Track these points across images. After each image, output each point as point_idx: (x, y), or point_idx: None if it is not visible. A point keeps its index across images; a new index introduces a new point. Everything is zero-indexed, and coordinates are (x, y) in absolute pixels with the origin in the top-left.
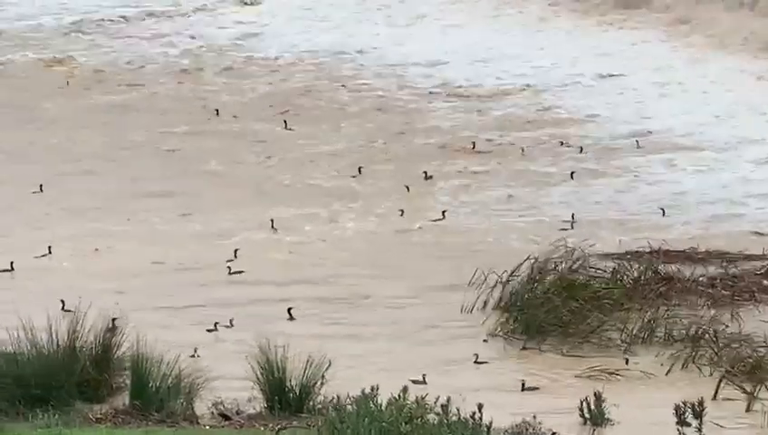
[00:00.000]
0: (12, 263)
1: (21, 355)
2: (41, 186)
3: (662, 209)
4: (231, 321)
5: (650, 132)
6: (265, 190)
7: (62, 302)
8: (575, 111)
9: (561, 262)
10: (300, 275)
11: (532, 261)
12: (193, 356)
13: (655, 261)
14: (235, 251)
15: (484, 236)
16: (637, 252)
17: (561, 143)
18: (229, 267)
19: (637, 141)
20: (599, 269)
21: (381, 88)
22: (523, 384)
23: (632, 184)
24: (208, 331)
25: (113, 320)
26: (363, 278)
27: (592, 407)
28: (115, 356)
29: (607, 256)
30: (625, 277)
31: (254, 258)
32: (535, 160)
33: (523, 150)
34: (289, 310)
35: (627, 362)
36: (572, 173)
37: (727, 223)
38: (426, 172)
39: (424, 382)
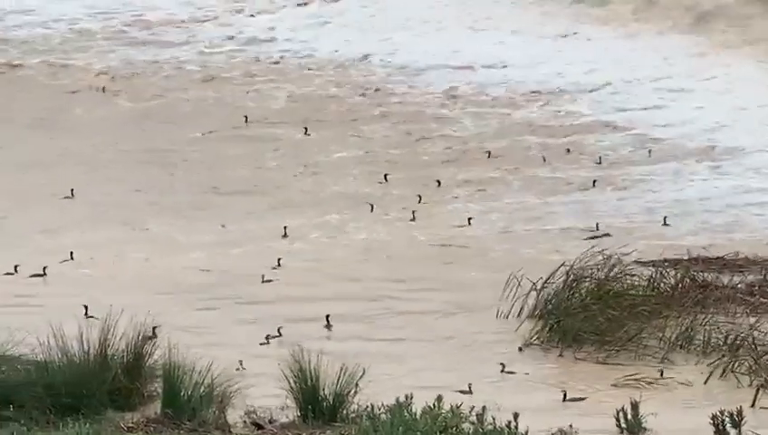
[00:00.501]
0: (45, 268)
1: (51, 363)
2: (72, 190)
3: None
4: (279, 330)
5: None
6: (290, 198)
7: (86, 307)
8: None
9: (597, 269)
10: (330, 282)
11: (567, 268)
12: (238, 369)
13: (692, 268)
14: (278, 260)
15: (511, 244)
16: (674, 259)
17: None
18: (263, 275)
19: (649, 151)
20: (635, 276)
21: (403, 93)
22: (565, 394)
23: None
24: (262, 344)
25: (153, 328)
26: (393, 285)
27: (629, 416)
28: (147, 364)
29: (643, 263)
30: (662, 285)
31: (285, 267)
32: (557, 168)
33: (544, 159)
34: (327, 317)
35: (662, 374)
36: (594, 181)
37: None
38: (440, 180)
39: (470, 392)
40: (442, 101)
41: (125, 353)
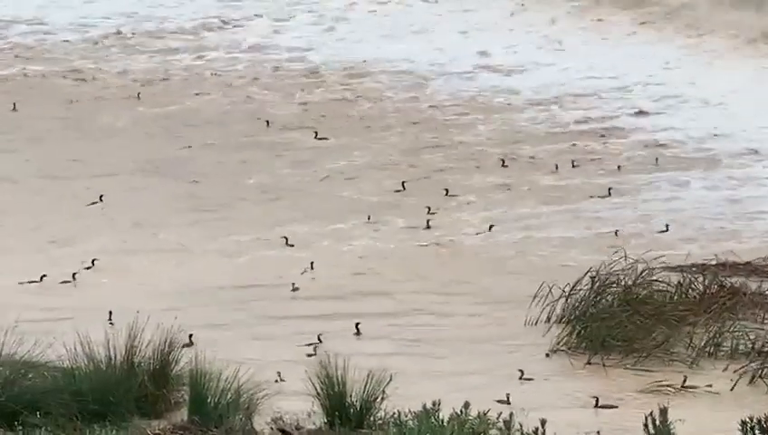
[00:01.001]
0: (74, 274)
1: (78, 370)
2: (101, 196)
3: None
4: (319, 337)
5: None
6: (309, 204)
7: (111, 314)
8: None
9: (624, 275)
10: (354, 288)
11: (593, 274)
12: (277, 381)
13: (720, 273)
14: (312, 263)
15: (533, 250)
16: (701, 264)
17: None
18: (293, 284)
19: (657, 159)
20: (662, 282)
21: (417, 99)
22: (597, 401)
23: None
24: (308, 355)
25: (190, 336)
26: (417, 292)
27: (657, 422)
28: (173, 371)
29: (671, 268)
30: (690, 291)
31: (310, 274)
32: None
33: (557, 167)
34: (357, 325)
35: (684, 381)
36: (610, 189)
37: None
38: (453, 187)
39: (508, 403)
40: (453, 107)
41: (151, 360)
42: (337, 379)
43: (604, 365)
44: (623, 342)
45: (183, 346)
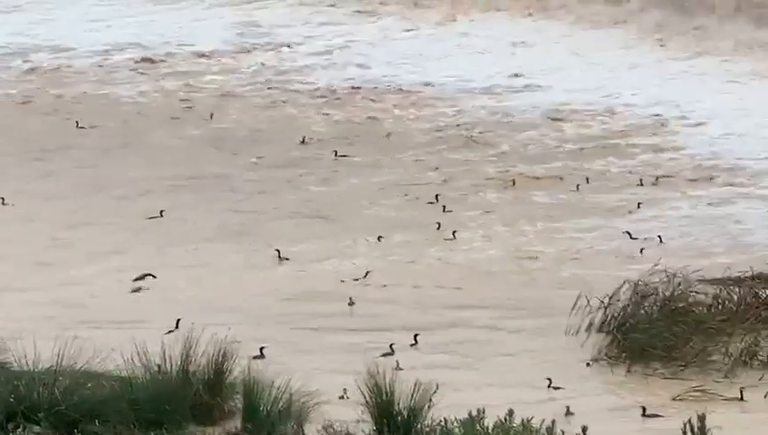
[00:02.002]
0: (137, 288)
1: (135, 379)
2: (161, 212)
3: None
4: (391, 346)
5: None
6: (346, 219)
7: (177, 321)
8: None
9: (662, 287)
10: (398, 301)
11: (632, 285)
12: (342, 397)
13: (755, 285)
14: (366, 273)
15: (565, 264)
16: (736, 277)
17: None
18: (350, 298)
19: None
20: (699, 294)
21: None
22: (644, 410)
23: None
24: (396, 369)
25: (261, 349)
26: (456, 306)
27: (696, 429)
28: (227, 381)
29: (707, 281)
30: (726, 302)
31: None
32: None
33: (587, 180)
34: (415, 336)
35: (723, 390)
36: (639, 204)
37: None
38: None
39: (571, 414)
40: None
41: (206, 370)
42: (385, 388)
43: (645, 374)
44: (662, 351)
45: (254, 358)
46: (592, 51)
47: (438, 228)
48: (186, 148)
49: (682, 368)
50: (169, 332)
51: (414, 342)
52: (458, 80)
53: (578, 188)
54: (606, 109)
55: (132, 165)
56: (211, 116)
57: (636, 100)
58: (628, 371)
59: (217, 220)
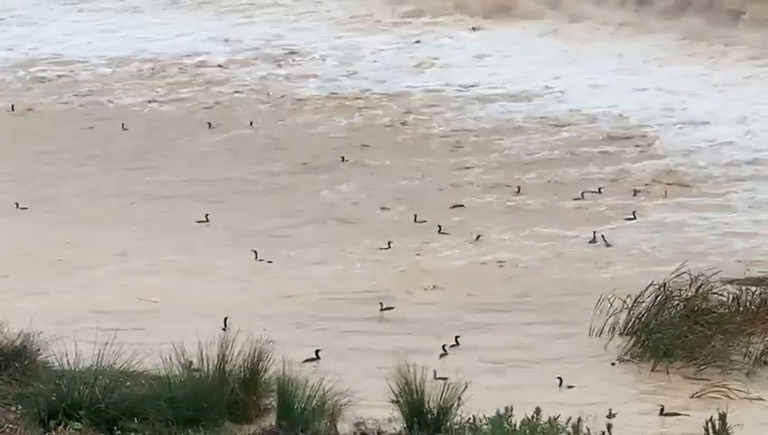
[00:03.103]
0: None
1: (173, 377)
2: (206, 215)
3: None
4: (457, 338)
5: None
6: (370, 223)
7: (225, 320)
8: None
9: (685, 289)
10: (421, 299)
11: (656, 287)
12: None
13: None
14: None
15: (588, 267)
16: (756, 277)
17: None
18: (381, 303)
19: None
20: (721, 295)
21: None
22: (662, 409)
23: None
24: (439, 378)
25: (317, 351)
26: (486, 305)
27: (717, 427)
28: (262, 379)
29: (729, 281)
30: (747, 303)
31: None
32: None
33: (600, 190)
34: (456, 338)
35: (739, 381)
36: (634, 213)
37: None
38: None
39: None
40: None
41: (242, 369)
42: (416, 386)
43: (668, 373)
44: (685, 351)
45: (305, 361)
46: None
47: (452, 233)
48: (216, 152)
49: (703, 367)
50: (224, 328)
51: (455, 343)
52: None
53: (600, 191)
54: None
55: (161, 170)
56: (251, 123)
57: None
58: (653, 370)
59: (255, 224)
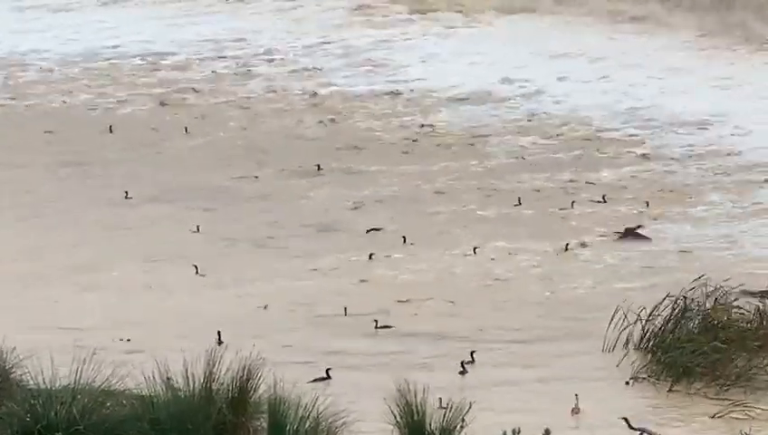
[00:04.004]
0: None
1: (156, 398)
2: (198, 226)
3: None
4: (472, 354)
5: None
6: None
7: (219, 333)
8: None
9: (703, 301)
10: (421, 312)
11: (672, 300)
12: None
13: None
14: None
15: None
16: None
17: None
18: (376, 321)
19: None
20: (741, 308)
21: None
22: None
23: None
24: (461, 373)
25: (327, 370)
26: (491, 318)
27: None
28: (252, 399)
29: (751, 293)
30: None
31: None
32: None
33: (604, 198)
34: (471, 354)
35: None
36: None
37: None
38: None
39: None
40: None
41: (230, 388)
42: (416, 407)
43: (688, 394)
44: (705, 369)
45: (315, 380)
46: None
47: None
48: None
49: (727, 388)
50: (219, 342)
51: (471, 360)
52: None
53: (604, 199)
54: None
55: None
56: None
57: None
58: (671, 390)
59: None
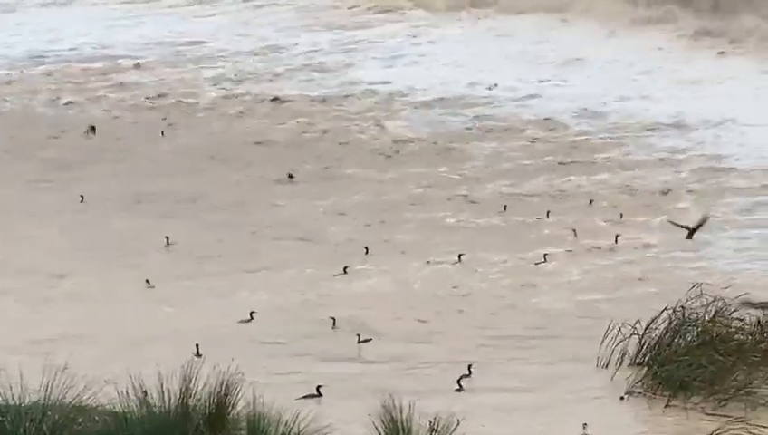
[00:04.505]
0: (251, 313)
1: (130, 414)
2: (167, 238)
3: None
4: (469, 367)
5: None
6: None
7: (197, 346)
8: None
9: (701, 313)
10: (416, 331)
11: (670, 312)
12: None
13: None
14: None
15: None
16: None
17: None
18: (359, 336)
19: None
20: (740, 320)
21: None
22: None
23: None
24: (458, 391)
25: (317, 387)
26: (484, 334)
27: None
28: (230, 415)
29: (750, 305)
30: None
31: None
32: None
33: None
34: (469, 367)
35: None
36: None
37: None
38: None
39: None
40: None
41: (207, 404)
42: (402, 424)
43: (685, 409)
44: (703, 383)
45: (305, 397)
46: None
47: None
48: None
49: (725, 402)
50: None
51: (468, 373)
52: None
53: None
54: None
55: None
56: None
57: None
58: (667, 405)
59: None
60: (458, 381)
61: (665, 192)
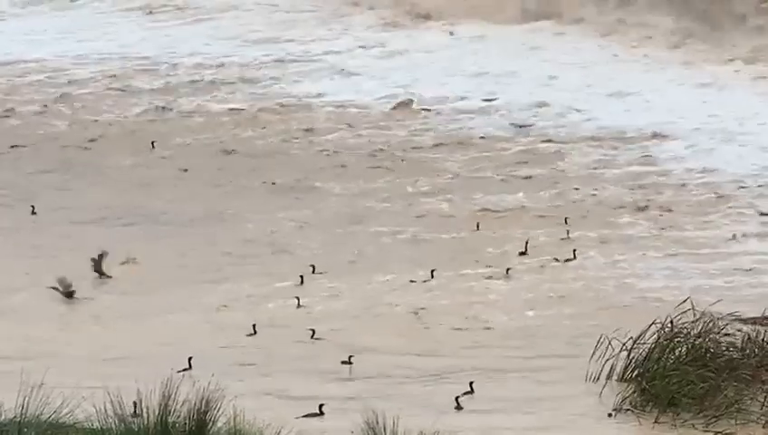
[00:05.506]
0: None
1: (108, 431)
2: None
3: None
4: (471, 384)
5: None
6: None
7: (190, 359)
8: None
9: (691, 328)
10: (407, 346)
11: (659, 326)
12: None
13: None
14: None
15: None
16: None
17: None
18: (312, 331)
19: None
20: (731, 335)
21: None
22: None
23: None
24: (456, 408)
25: (320, 406)
26: (474, 347)
27: None
28: (210, 432)
29: (741, 320)
30: (764, 344)
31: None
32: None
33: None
34: (470, 384)
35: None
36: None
37: None
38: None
39: None
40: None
41: (187, 420)
42: None
43: (675, 425)
44: (693, 399)
45: (307, 415)
46: None
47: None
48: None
49: (714, 419)
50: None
51: (470, 390)
52: None
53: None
54: None
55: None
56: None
57: None
58: (656, 421)
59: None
60: (456, 399)
61: None
